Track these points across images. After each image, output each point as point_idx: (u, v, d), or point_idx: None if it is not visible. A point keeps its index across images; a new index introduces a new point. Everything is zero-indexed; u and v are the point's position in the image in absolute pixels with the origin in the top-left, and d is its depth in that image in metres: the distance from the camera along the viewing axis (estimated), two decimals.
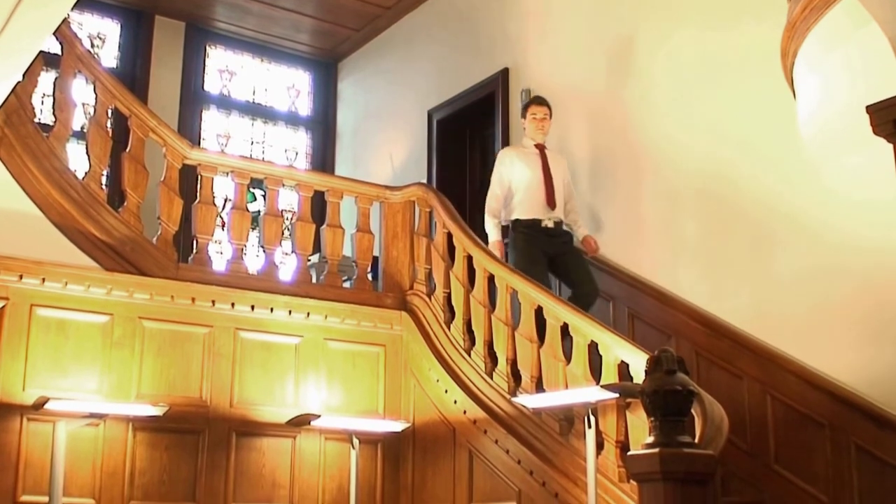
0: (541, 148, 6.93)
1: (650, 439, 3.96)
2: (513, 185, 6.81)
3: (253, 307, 6.22)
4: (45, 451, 5.33)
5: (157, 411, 5.40)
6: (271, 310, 6.29)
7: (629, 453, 4.12)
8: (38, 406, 5.22)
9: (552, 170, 6.82)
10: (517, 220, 6.75)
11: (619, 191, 7.22)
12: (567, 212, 6.90)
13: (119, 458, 5.63)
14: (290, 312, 6.35)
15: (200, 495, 5.82)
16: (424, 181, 8.23)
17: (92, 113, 6.29)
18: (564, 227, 6.86)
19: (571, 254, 6.77)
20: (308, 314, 6.41)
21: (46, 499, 5.08)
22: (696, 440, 4.16)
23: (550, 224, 6.72)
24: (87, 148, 6.14)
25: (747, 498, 5.63)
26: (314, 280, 6.88)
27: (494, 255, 6.35)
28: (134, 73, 9.70)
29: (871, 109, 3.74)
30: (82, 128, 7.14)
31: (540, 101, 7.05)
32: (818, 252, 5.72)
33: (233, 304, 6.15)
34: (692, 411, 4.19)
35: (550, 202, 6.73)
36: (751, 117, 6.23)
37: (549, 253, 6.66)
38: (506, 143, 8.09)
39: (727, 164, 6.37)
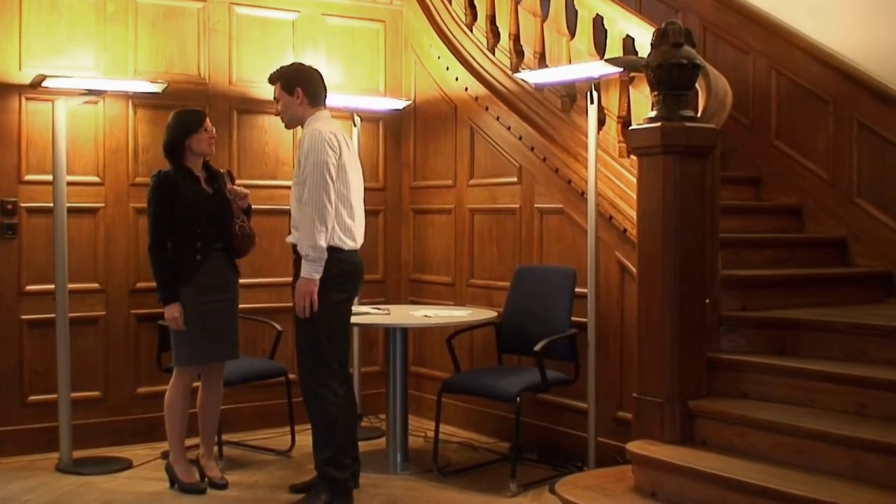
0: None
1: (652, 113, 3.96)
2: None
3: None
4: (46, 131, 5.33)
5: (155, 88, 5.35)
6: None
7: (630, 128, 4.12)
8: (36, 84, 5.17)
9: None
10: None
11: None
12: None
13: (121, 136, 5.66)
14: None
15: None
16: None
17: None
18: None
19: None
20: None
21: (51, 178, 5.15)
22: (699, 114, 4.14)
23: None
24: None
25: (746, 173, 5.70)
26: None
27: None
28: None
29: None
30: None
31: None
32: None
33: None
34: (696, 85, 4.16)
35: None
36: None
37: None
38: None
39: None
